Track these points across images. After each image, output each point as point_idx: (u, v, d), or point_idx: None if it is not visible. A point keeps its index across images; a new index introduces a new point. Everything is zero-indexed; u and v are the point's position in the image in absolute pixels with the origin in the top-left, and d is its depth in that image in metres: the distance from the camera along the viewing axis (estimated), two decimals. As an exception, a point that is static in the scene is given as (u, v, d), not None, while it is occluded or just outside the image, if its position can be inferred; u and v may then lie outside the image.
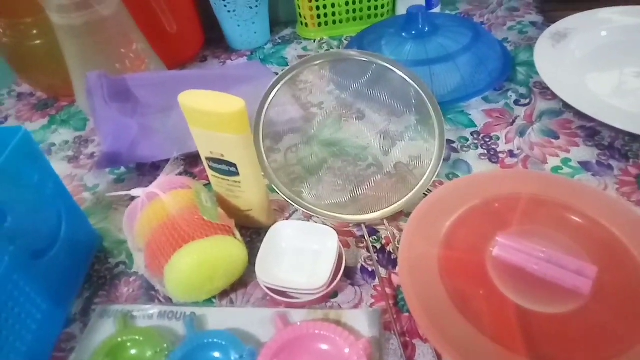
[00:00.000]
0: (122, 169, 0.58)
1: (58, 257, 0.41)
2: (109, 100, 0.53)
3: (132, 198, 0.46)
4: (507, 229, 0.41)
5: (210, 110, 0.38)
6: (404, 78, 0.49)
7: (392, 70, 0.50)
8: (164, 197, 0.41)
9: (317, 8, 0.75)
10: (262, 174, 0.47)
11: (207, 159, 0.43)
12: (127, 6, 0.61)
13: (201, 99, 0.39)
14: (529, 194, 0.44)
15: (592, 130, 0.54)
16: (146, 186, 0.56)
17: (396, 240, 0.45)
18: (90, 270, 0.47)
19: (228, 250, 0.41)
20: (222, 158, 0.42)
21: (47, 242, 0.41)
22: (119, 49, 0.60)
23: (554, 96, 0.58)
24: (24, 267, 0.37)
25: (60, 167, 0.60)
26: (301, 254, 0.43)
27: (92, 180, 0.58)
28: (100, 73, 0.54)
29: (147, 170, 0.57)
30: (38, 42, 0.66)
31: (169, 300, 0.43)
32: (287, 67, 0.51)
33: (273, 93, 0.51)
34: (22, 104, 0.75)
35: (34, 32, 0.65)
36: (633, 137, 0.52)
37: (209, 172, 0.45)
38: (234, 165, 0.42)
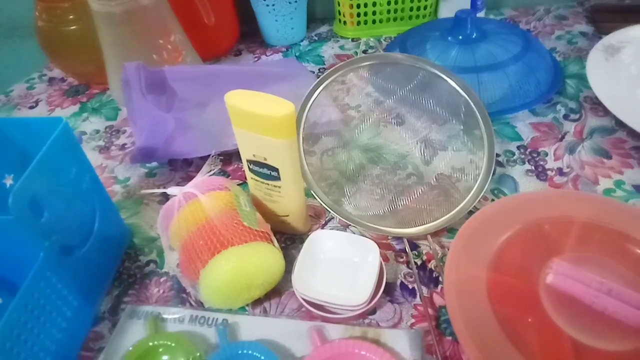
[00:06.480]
0: (154, 163, 0.57)
1: (90, 253, 0.40)
2: (146, 93, 0.51)
3: (165, 194, 0.45)
4: (560, 255, 0.39)
5: (258, 113, 0.36)
6: (455, 88, 0.47)
7: (443, 79, 0.47)
8: (203, 198, 0.39)
9: (358, 6, 0.72)
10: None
11: (249, 161, 0.41)
12: (167, -4, 0.59)
13: (249, 100, 0.37)
14: (582, 217, 0.41)
15: (647, 151, 0.51)
16: (178, 182, 0.55)
17: (439, 257, 0.43)
18: (120, 267, 0.46)
19: (266, 257, 0.39)
20: (264, 162, 0.40)
21: (81, 237, 0.40)
22: (157, 40, 0.58)
23: (606, 112, 0.55)
24: (56, 264, 0.36)
25: (91, 156, 0.58)
26: (340, 266, 0.42)
27: (123, 173, 0.56)
28: (139, 64, 0.53)
29: (179, 166, 0.56)
30: (73, 27, 0.65)
31: (200, 304, 0.42)
32: (332, 67, 0.49)
33: (316, 93, 0.49)
34: (53, 89, 0.74)
35: (70, 17, 0.64)
36: (692, 161, 0.49)
37: (248, 175, 0.43)
38: (276, 170, 0.40)
